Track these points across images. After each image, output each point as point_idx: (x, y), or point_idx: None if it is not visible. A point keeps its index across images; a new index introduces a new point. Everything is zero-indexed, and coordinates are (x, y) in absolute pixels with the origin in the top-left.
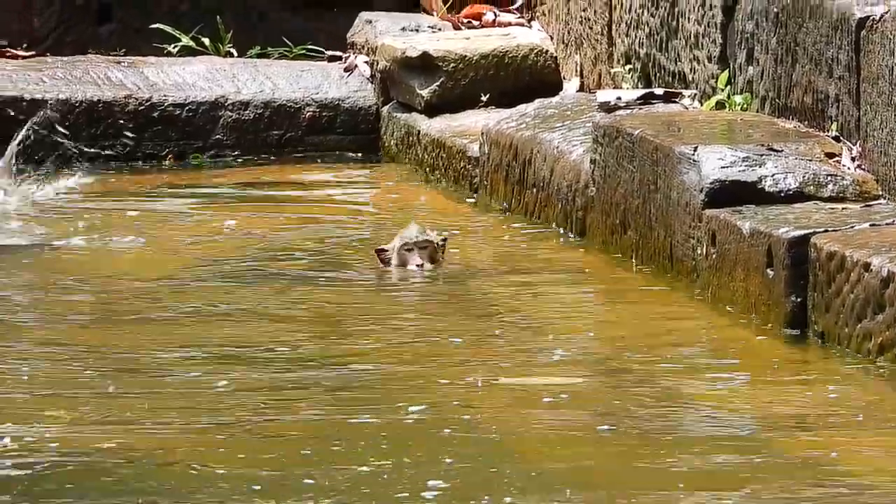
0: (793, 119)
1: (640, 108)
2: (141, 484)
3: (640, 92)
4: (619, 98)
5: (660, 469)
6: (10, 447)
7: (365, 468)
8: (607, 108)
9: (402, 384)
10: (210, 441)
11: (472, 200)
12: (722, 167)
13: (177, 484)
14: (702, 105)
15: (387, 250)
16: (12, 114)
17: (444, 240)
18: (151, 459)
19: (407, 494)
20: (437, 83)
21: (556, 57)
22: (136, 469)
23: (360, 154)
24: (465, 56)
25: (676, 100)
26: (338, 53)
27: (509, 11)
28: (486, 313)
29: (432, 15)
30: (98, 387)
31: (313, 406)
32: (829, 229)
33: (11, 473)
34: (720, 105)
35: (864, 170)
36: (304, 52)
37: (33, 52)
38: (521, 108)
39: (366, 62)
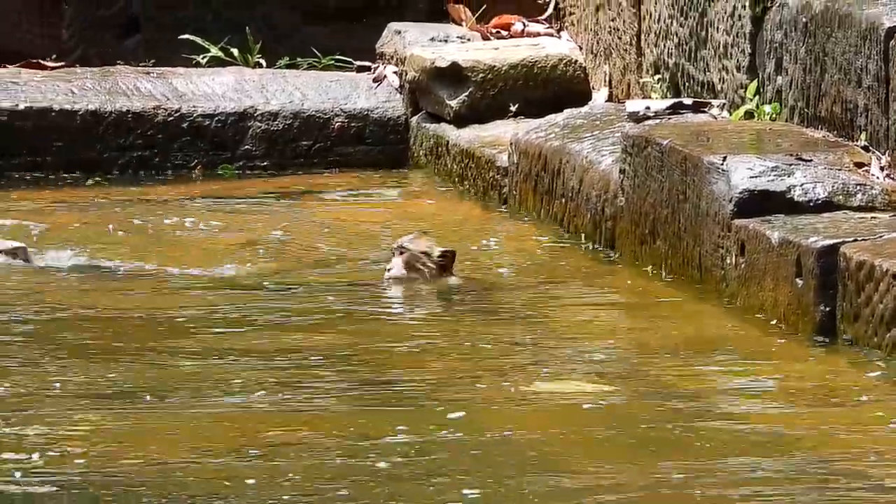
0: (822, 129)
1: (669, 118)
2: (170, 497)
3: (669, 102)
4: (648, 108)
5: (689, 480)
6: (37, 462)
7: (400, 476)
8: (636, 118)
9: (436, 392)
10: (240, 450)
11: (502, 210)
12: (751, 177)
13: (208, 495)
14: (731, 115)
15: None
16: (43, 125)
17: (449, 252)
18: (180, 471)
19: (443, 501)
20: (466, 93)
21: (585, 67)
22: (164, 481)
23: (388, 165)
24: (494, 66)
25: (705, 109)
26: (367, 64)
27: (538, 21)
28: (515, 322)
29: (461, 25)
30: (130, 396)
31: (346, 415)
32: (859, 239)
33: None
34: (749, 115)
35: (893, 179)
36: (332, 62)
37: (62, 63)
38: (550, 118)
39: (395, 73)
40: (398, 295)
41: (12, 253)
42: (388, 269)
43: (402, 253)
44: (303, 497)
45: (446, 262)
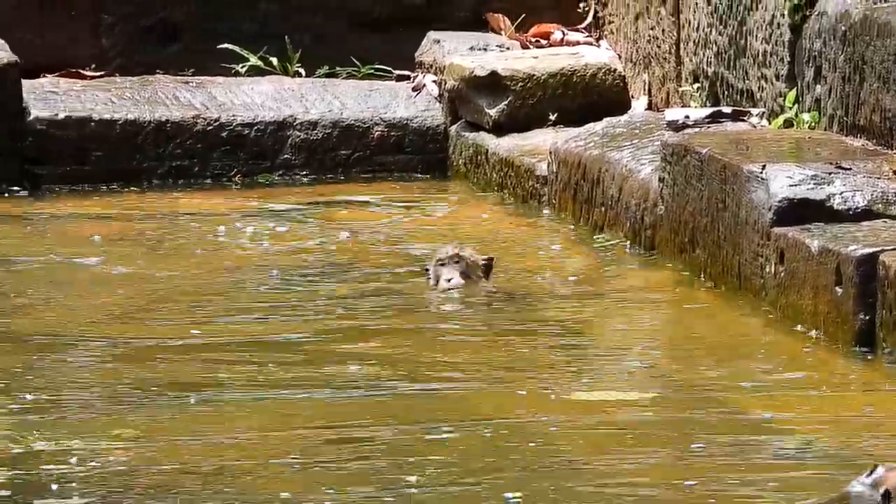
0: (861, 137)
1: (709, 127)
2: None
3: (708, 110)
4: (687, 117)
5: (727, 487)
6: (77, 468)
7: (442, 480)
8: (675, 126)
9: (478, 398)
10: (282, 455)
11: (540, 219)
12: (790, 185)
13: (249, 499)
14: (770, 123)
15: (429, 269)
16: (82, 134)
17: (489, 260)
18: (221, 474)
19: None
20: (506, 102)
21: (624, 76)
22: (204, 485)
23: (428, 173)
24: (534, 75)
25: (744, 118)
26: (406, 73)
27: (577, 30)
28: (555, 330)
29: (500, 34)
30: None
31: (388, 422)
32: None
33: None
34: (788, 123)
35: None
36: (372, 71)
37: (101, 73)
38: (590, 126)
39: (434, 81)
40: (457, 303)
41: None
42: (448, 280)
43: (457, 262)
44: (349, 498)
45: (489, 270)
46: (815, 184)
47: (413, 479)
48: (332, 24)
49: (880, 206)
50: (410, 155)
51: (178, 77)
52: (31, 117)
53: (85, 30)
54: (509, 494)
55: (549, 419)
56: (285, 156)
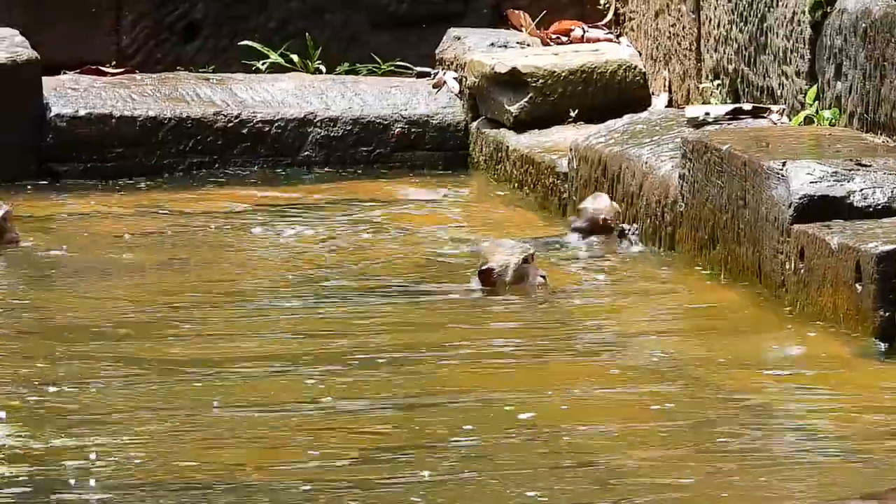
0: (881, 134)
1: (729, 124)
2: (227, 499)
3: (729, 107)
4: (707, 113)
5: (752, 488)
6: (97, 463)
7: (465, 477)
8: (696, 123)
9: (502, 395)
10: (299, 455)
11: (562, 216)
12: (811, 182)
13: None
14: (790, 120)
15: (494, 269)
16: (102, 131)
17: (528, 257)
18: (237, 473)
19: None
20: (526, 99)
21: (644, 72)
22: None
23: (448, 170)
24: (554, 72)
25: (765, 115)
26: (426, 70)
27: (598, 27)
28: (576, 326)
29: (521, 31)
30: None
31: (410, 421)
32: None
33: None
34: (808, 120)
35: None
36: (392, 68)
37: (122, 70)
38: (610, 123)
39: (454, 78)
40: (461, 299)
41: None
42: (506, 276)
43: (526, 260)
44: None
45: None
46: (835, 180)
47: (435, 477)
48: (352, 21)
49: None
50: (431, 151)
51: (199, 74)
52: (52, 114)
53: (105, 27)
54: (531, 493)
55: (572, 416)
56: (306, 152)
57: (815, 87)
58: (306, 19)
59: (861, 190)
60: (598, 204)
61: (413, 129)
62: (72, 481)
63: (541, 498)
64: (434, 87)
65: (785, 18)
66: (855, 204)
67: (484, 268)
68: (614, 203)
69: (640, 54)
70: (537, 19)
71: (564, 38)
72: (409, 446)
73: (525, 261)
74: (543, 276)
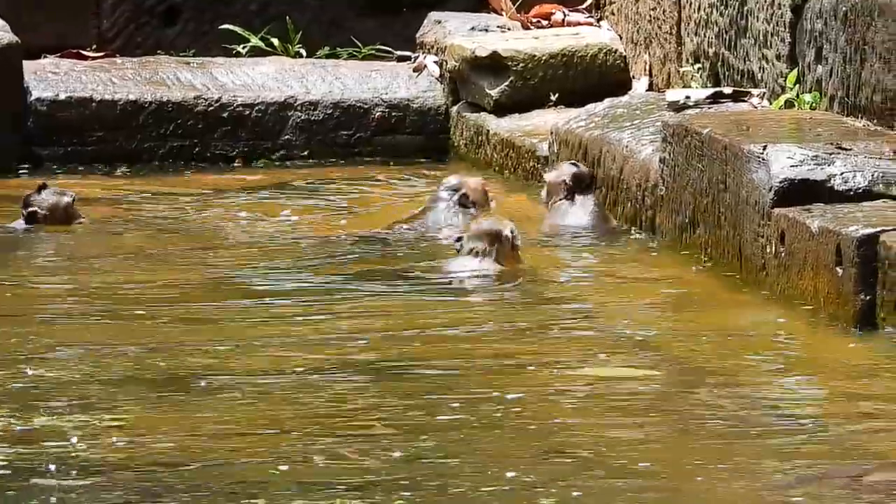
0: (862, 117)
1: (709, 108)
2: (211, 486)
3: (709, 91)
4: (688, 97)
5: (730, 469)
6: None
7: (451, 462)
8: (676, 107)
9: (483, 377)
10: (290, 443)
11: (540, 198)
12: (791, 166)
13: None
14: (771, 104)
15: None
16: (83, 115)
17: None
18: (219, 461)
19: (490, 488)
20: (507, 83)
21: (625, 56)
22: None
23: (429, 154)
24: (534, 56)
25: (745, 99)
26: (407, 54)
27: (578, 11)
28: (557, 309)
29: (501, 15)
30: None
31: (394, 406)
32: None
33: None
34: (789, 104)
35: None
36: (373, 52)
37: (102, 54)
38: (591, 107)
39: (435, 62)
40: (440, 281)
41: None
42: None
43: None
44: (357, 479)
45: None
46: (815, 164)
47: (420, 461)
48: (333, 5)
49: (881, 186)
50: (411, 136)
51: (179, 58)
52: (33, 98)
53: (86, 10)
54: (510, 474)
55: (555, 397)
56: (286, 136)
57: (795, 71)
58: (287, 3)
59: (841, 174)
60: (557, 172)
61: (394, 113)
62: None
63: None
64: (415, 70)
65: (765, 2)
66: (835, 188)
67: (504, 233)
68: (581, 167)
69: (621, 38)
70: (518, 3)
71: (545, 22)
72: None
73: (513, 231)
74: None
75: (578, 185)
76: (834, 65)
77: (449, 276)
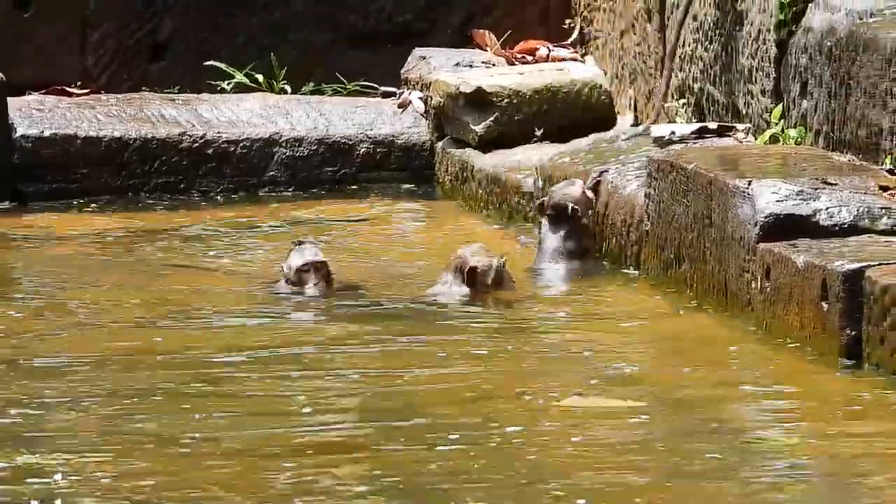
0: (847, 152)
1: (695, 143)
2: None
3: (694, 126)
4: (673, 132)
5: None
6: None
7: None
8: (661, 142)
9: (466, 407)
10: (276, 469)
11: (527, 235)
12: (776, 201)
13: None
14: (756, 139)
15: (477, 268)
16: (68, 152)
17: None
18: (209, 486)
19: None
20: (491, 118)
21: (609, 92)
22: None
23: (414, 190)
24: (519, 91)
25: (730, 134)
26: (391, 89)
27: (563, 46)
28: (542, 341)
29: (486, 51)
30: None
31: (378, 435)
32: (884, 262)
33: None
34: (774, 139)
35: None
36: (358, 88)
37: (87, 90)
38: (576, 142)
39: (420, 98)
40: (425, 312)
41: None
42: (488, 277)
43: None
44: None
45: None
46: (801, 199)
47: (399, 488)
48: (318, 41)
49: (867, 221)
50: (396, 171)
51: (164, 94)
52: (17, 135)
53: (71, 47)
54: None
55: (539, 428)
56: (271, 172)
57: (780, 106)
58: (272, 38)
59: (827, 209)
60: (569, 190)
61: (378, 149)
62: None
63: None
64: (399, 106)
65: (750, 37)
66: (821, 223)
67: (469, 266)
68: (588, 191)
69: (606, 73)
70: (502, 39)
71: (530, 58)
72: None
73: (503, 265)
74: (513, 282)
75: (560, 211)
76: (819, 100)
77: (430, 298)
